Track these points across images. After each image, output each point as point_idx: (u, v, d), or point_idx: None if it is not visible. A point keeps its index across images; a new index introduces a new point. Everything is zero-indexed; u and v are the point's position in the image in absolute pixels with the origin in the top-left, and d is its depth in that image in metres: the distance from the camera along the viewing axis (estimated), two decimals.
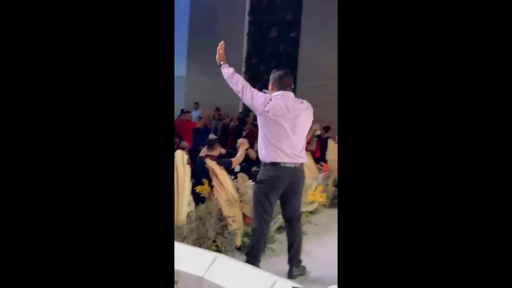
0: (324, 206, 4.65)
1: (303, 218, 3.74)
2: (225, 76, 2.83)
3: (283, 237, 3.46)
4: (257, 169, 3.11)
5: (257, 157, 2.98)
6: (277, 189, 2.71)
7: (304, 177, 2.93)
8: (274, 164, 2.67)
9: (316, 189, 4.40)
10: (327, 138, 6.87)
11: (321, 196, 4.46)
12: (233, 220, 3.16)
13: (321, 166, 5.46)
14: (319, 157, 6.56)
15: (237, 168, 3.98)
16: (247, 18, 12.41)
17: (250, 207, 3.43)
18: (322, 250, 3.37)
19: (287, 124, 2.64)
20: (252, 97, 2.70)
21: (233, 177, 3.50)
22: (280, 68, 2.88)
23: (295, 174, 2.74)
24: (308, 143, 6.79)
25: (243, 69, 12.39)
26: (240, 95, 2.76)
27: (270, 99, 2.66)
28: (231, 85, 2.80)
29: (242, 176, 3.72)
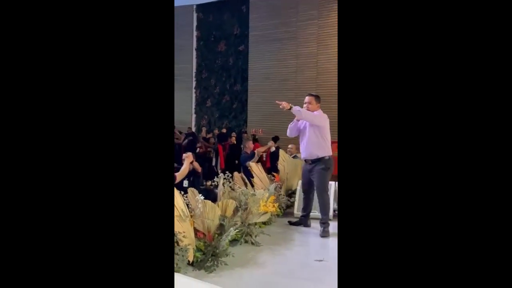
0: (277, 216, 4.68)
1: (257, 229, 3.94)
2: (298, 114, 4.04)
3: (235, 250, 3.46)
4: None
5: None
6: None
7: None
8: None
9: (268, 200, 4.42)
10: (277, 147, 6.95)
11: (273, 206, 4.48)
12: (184, 236, 3.10)
13: (273, 176, 5.50)
14: (269, 167, 6.61)
15: (185, 183, 3.95)
16: (195, 33, 12.42)
17: (201, 221, 3.39)
18: (275, 260, 3.38)
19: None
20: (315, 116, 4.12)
21: (182, 192, 3.44)
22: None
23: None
24: (261, 156, 6.84)
25: (194, 84, 12.36)
26: (311, 119, 4.10)
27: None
28: (304, 117, 4.09)
29: (192, 190, 3.67)
